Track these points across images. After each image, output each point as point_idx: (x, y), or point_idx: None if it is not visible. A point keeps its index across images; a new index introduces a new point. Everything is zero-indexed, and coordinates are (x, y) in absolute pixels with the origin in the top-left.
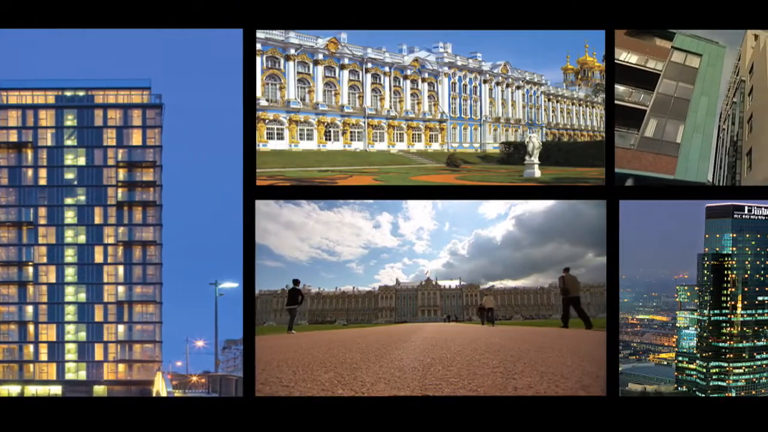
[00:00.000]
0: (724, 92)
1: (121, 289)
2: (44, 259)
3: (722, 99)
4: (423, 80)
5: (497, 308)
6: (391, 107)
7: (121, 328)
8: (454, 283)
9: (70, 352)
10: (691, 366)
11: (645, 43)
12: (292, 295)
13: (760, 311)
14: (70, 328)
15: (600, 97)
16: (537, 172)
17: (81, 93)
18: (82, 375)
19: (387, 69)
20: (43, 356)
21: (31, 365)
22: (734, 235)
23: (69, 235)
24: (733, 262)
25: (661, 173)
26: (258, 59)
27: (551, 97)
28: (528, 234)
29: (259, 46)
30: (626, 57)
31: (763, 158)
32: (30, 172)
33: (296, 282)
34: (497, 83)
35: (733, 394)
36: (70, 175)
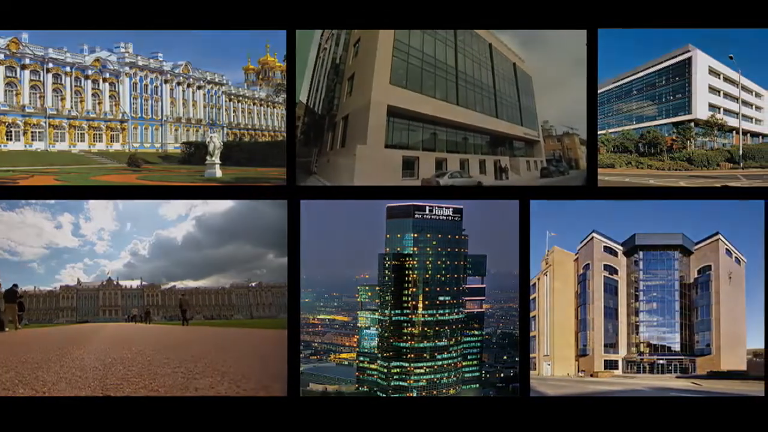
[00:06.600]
0: None
1: None
2: None
3: None
4: (104, 80)
5: (153, 311)
6: (72, 107)
7: None
8: (135, 283)
9: None
10: (372, 366)
11: None
12: (20, 305)
13: (441, 311)
14: None
15: (281, 97)
16: (218, 172)
17: None
18: None
19: (68, 69)
20: None
21: None
22: (415, 235)
23: None
24: (414, 262)
25: None
26: None
27: (232, 97)
28: (208, 235)
29: None
30: None
31: (365, 83)
32: None
33: (21, 296)
34: (178, 83)
35: (414, 394)
36: None
